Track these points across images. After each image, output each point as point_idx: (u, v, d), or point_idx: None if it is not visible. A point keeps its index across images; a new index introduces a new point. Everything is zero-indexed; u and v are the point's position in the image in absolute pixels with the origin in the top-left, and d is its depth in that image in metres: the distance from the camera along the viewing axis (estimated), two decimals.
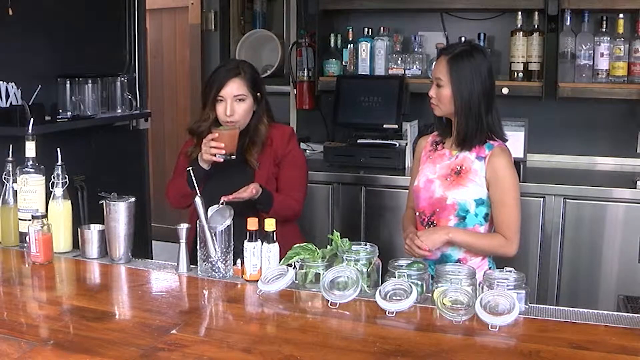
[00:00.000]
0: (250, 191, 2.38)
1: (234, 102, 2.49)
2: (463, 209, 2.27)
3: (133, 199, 2.18)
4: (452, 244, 2.27)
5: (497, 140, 2.29)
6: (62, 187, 2.23)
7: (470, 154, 2.28)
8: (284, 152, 2.59)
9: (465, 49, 2.32)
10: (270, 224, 1.97)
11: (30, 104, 3.08)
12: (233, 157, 2.43)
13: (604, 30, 3.47)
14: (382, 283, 1.84)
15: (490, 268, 2.30)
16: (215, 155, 2.40)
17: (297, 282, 1.93)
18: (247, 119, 2.54)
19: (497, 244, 2.25)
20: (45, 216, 2.17)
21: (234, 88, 2.49)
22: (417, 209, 2.38)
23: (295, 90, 4.14)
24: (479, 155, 2.26)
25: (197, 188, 2.16)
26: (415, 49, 3.83)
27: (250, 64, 2.64)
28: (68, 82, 3.38)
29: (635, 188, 3.16)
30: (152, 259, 2.32)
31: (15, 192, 2.28)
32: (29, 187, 2.24)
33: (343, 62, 3.93)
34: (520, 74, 3.61)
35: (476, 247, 2.28)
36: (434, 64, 2.39)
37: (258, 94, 2.56)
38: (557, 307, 1.84)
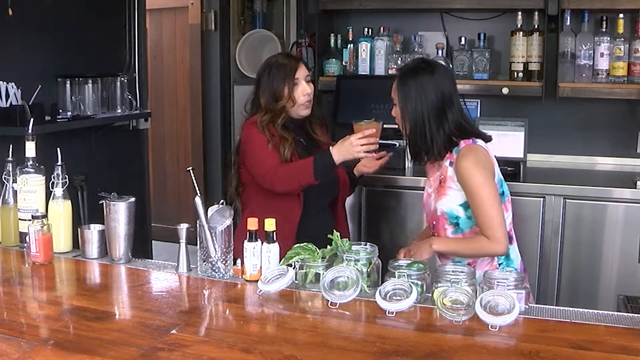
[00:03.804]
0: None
1: (308, 83, 2.61)
2: (452, 217, 2.28)
3: (133, 199, 2.18)
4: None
5: (469, 139, 2.26)
6: (62, 187, 2.23)
7: (446, 162, 2.28)
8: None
9: (411, 67, 2.34)
10: (270, 224, 1.97)
11: (30, 104, 3.08)
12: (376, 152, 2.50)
13: (604, 30, 3.47)
14: (382, 283, 1.84)
15: (500, 264, 2.29)
16: (370, 152, 2.46)
17: (297, 282, 1.93)
18: None
19: (481, 246, 2.22)
20: (45, 216, 2.16)
21: (303, 70, 2.62)
22: (427, 222, 2.44)
23: None
24: (450, 161, 2.27)
25: (197, 188, 2.16)
26: (415, 49, 3.83)
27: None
28: (68, 82, 3.38)
29: (635, 188, 3.16)
30: (152, 259, 2.32)
31: (15, 192, 2.28)
32: (29, 187, 2.24)
33: (343, 62, 3.93)
34: (520, 74, 3.62)
35: (461, 252, 2.28)
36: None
37: None
38: (557, 307, 1.84)
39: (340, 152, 2.43)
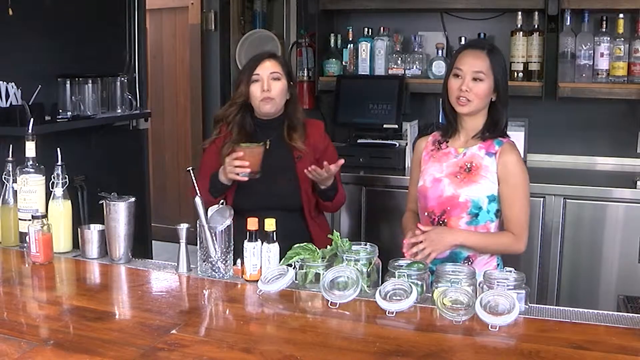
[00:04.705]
0: (338, 164, 2.47)
1: (270, 80, 2.52)
2: (476, 206, 2.26)
3: (133, 199, 2.18)
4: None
5: (505, 137, 2.30)
6: (62, 187, 2.24)
7: (479, 151, 2.27)
8: (324, 146, 2.64)
9: (493, 44, 2.38)
10: (270, 224, 1.97)
11: (30, 104, 3.08)
12: (257, 176, 2.39)
13: (604, 30, 3.47)
14: (382, 283, 1.84)
15: (498, 265, 2.31)
16: (238, 175, 2.37)
17: (297, 282, 1.93)
18: (281, 101, 2.56)
19: (507, 242, 2.25)
20: (45, 216, 2.17)
21: (269, 66, 2.53)
22: (426, 209, 2.35)
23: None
24: (488, 151, 2.26)
25: (197, 188, 2.16)
26: (415, 49, 3.83)
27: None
28: (68, 82, 3.38)
29: (635, 188, 3.16)
30: (152, 259, 2.32)
31: (15, 192, 2.28)
32: (29, 187, 2.24)
33: (343, 62, 3.93)
34: (520, 74, 3.62)
35: (487, 248, 2.27)
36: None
37: (291, 82, 2.61)
38: (557, 307, 1.84)
39: (222, 172, 2.44)
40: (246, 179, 2.36)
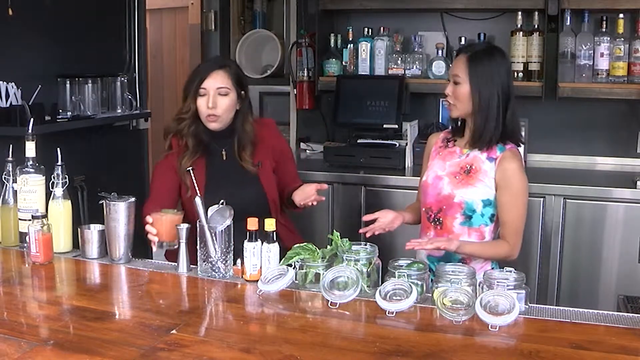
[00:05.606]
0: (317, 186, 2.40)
1: (217, 96, 2.41)
2: (470, 209, 2.26)
3: (133, 199, 2.18)
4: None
5: (510, 144, 2.28)
6: (62, 187, 2.24)
7: (481, 154, 2.27)
8: (280, 147, 2.60)
9: (486, 47, 2.33)
10: (270, 224, 1.97)
11: (30, 104, 3.08)
12: (174, 246, 2.13)
13: (604, 30, 3.46)
14: (382, 283, 1.84)
15: (492, 268, 2.30)
16: (153, 242, 2.18)
17: (297, 282, 1.93)
18: (229, 115, 2.46)
19: (502, 251, 2.25)
20: (45, 216, 2.17)
21: (217, 80, 2.41)
22: (424, 204, 2.36)
23: (295, 90, 4.14)
24: (489, 156, 2.26)
25: (197, 187, 2.15)
26: (415, 49, 3.83)
27: (235, 62, 2.57)
28: (68, 82, 3.38)
29: (635, 188, 3.15)
30: (152, 259, 2.32)
31: (15, 192, 2.28)
32: (29, 187, 2.24)
33: (343, 62, 3.93)
34: (521, 74, 3.61)
35: (481, 255, 2.28)
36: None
37: (242, 92, 2.49)
38: (557, 307, 1.84)
39: None
40: (155, 248, 2.19)
